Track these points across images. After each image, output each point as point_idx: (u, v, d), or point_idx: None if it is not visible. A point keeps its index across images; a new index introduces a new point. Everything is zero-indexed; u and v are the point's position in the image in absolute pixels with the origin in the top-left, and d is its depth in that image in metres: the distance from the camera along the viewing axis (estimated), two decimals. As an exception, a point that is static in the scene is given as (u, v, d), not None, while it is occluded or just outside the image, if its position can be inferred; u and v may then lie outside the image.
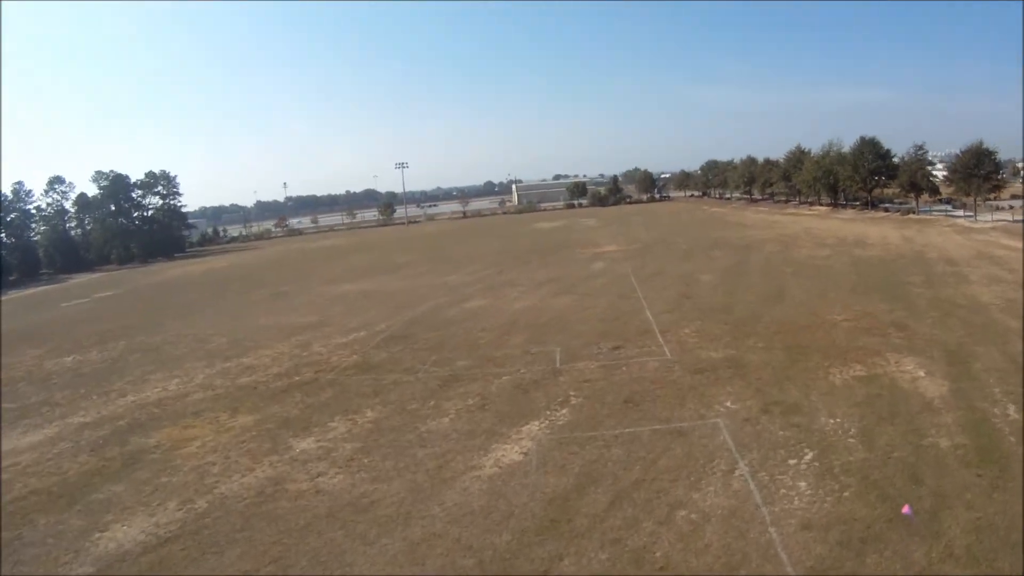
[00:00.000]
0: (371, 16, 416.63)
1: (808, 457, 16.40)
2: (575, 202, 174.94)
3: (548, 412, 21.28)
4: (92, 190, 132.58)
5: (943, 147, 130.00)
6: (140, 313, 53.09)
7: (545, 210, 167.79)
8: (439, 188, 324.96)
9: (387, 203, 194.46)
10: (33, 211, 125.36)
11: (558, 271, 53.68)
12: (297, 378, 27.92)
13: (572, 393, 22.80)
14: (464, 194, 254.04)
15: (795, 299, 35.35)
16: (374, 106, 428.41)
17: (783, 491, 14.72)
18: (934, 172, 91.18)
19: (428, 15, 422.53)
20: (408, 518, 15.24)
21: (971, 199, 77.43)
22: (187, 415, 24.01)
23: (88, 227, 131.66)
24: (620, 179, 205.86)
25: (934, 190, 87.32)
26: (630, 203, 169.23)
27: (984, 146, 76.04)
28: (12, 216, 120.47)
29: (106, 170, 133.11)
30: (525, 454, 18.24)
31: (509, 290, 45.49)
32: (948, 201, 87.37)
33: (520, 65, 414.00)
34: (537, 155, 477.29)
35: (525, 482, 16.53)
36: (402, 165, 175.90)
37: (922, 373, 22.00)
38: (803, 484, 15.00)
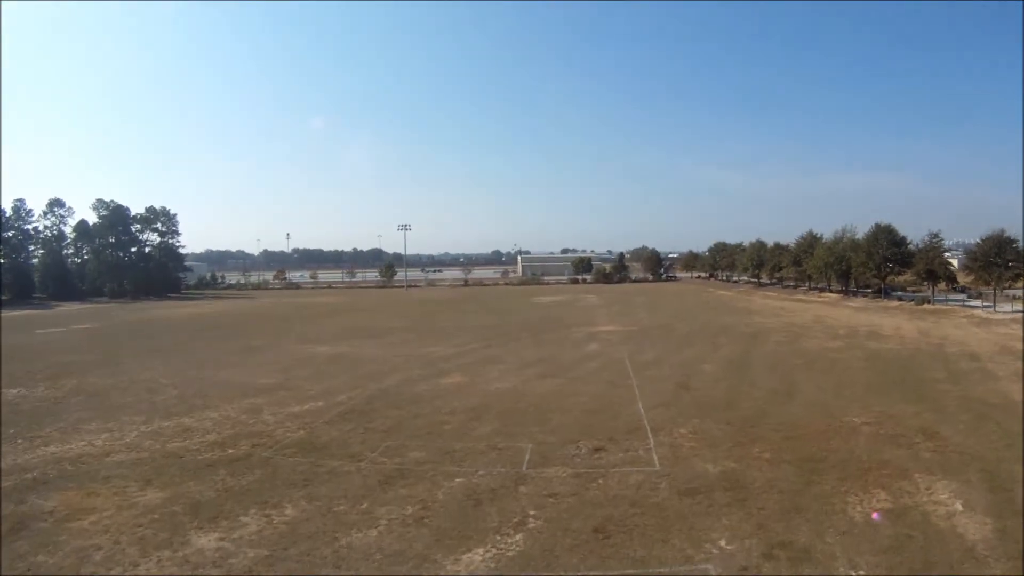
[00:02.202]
0: (383, 81, 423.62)
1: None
2: (579, 277, 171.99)
3: (498, 537, 17.07)
4: (91, 217, 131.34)
5: (953, 235, 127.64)
6: (105, 350, 52.77)
7: (548, 283, 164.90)
8: (447, 253, 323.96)
9: (389, 264, 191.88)
10: (31, 231, 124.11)
11: (549, 350, 49.97)
12: (231, 451, 24.98)
13: (532, 512, 18.58)
14: (471, 262, 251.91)
15: (807, 397, 31.71)
16: (383, 168, 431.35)
17: None
18: (950, 260, 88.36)
19: (438, 85, 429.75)
20: None
21: (988, 288, 74.27)
22: (98, 479, 21.58)
23: (85, 256, 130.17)
24: (627, 257, 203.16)
25: (951, 279, 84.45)
26: (635, 282, 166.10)
27: (1006, 235, 73.33)
28: (11, 234, 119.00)
29: (107, 199, 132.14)
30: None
31: (491, 368, 41.71)
32: (963, 290, 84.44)
33: (530, 139, 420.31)
34: (546, 228, 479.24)
35: None
36: (404, 227, 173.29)
37: (959, 506, 18.02)
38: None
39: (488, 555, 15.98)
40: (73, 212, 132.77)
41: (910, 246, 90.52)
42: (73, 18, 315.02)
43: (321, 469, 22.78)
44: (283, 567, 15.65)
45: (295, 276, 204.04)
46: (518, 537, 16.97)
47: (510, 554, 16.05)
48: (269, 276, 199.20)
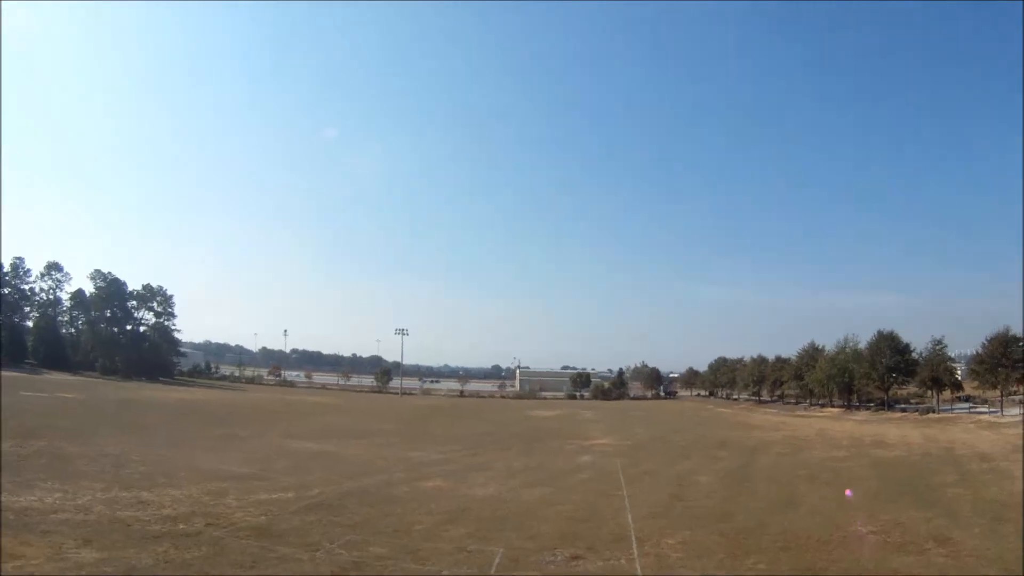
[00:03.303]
0: (375, 188, 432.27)
1: None
2: (577, 393, 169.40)
3: None
4: (88, 286, 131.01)
5: (955, 348, 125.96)
6: (83, 420, 51.98)
7: (545, 398, 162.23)
8: (446, 366, 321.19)
9: (385, 370, 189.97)
10: (28, 292, 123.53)
11: (539, 460, 47.90)
12: (182, 526, 23.06)
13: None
14: (469, 375, 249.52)
15: (808, 506, 29.60)
16: (381, 276, 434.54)
17: None
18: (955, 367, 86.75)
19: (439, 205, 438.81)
20: None
21: (994, 394, 72.26)
22: (36, 532, 20.29)
23: (80, 326, 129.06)
24: (626, 373, 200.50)
25: (956, 385, 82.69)
26: (633, 399, 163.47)
27: (1012, 333, 71.73)
28: (7, 291, 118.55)
29: (105, 271, 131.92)
30: None
31: (476, 475, 39.49)
32: (967, 399, 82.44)
33: (528, 254, 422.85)
34: (546, 346, 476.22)
35: None
36: (402, 332, 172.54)
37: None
38: None
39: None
40: (70, 278, 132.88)
41: (914, 354, 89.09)
42: (86, 67, 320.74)
43: (272, 554, 20.67)
44: None
45: (291, 375, 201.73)
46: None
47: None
48: (264, 372, 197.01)
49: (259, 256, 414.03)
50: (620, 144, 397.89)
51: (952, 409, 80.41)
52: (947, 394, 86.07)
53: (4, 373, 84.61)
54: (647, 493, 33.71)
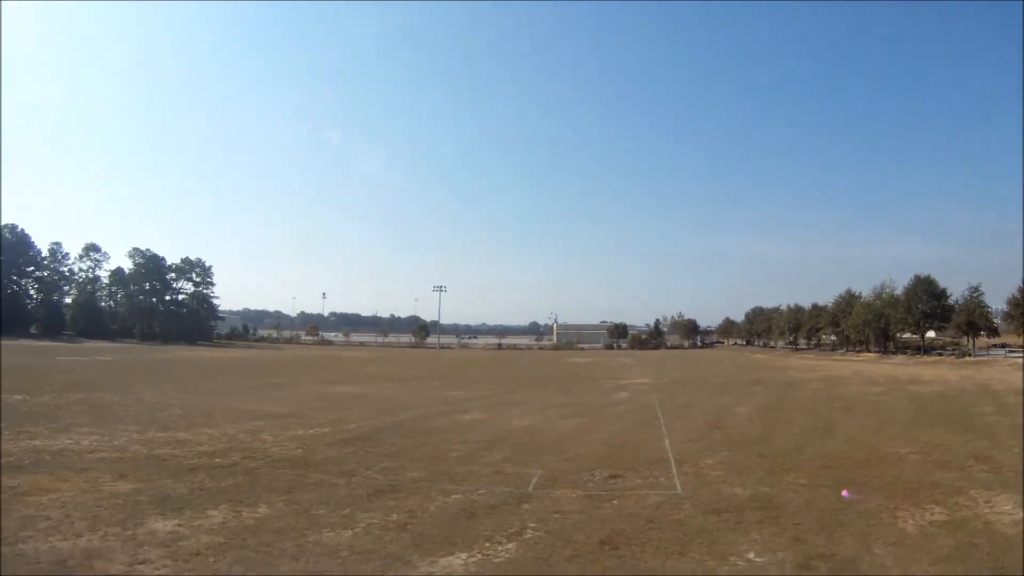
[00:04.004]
0: (414, 147, 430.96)
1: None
2: (615, 343, 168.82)
3: (487, 544, 14.72)
4: (127, 264, 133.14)
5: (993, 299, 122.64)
6: (122, 377, 51.82)
7: (582, 349, 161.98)
8: (484, 324, 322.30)
9: (422, 326, 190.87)
10: (67, 273, 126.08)
11: (575, 397, 47.70)
12: (217, 460, 23.07)
13: (532, 525, 16.21)
14: (507, 331, 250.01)
15: (846, 433, 28.90)
16: (422, 237, 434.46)
17: None
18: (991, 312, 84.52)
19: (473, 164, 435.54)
20: None
21: None
22: (72, 469, 20.24)
23: (119, 299, 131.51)
24: (663, 324, 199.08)
25: (992, 330, 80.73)
26: (671, 348, 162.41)
27: None
28: (45, 274, 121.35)
29: (143, 247, 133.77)
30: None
31: (513, 409, 39.39)
32: (1004, 346, 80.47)
33: (570, 212, 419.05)
34: (584, 302, 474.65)
35: None
36: (440, 288, 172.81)
37: None
38: None
39: (471, 560, 13.72)
40: (108, 258, 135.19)
41: (950, 300, 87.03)
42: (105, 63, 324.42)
43: (308, 480, 20.71)
44: (234, 554, 13.69)
45: (329, 336, 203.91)
46: (511, 546, 14.68)
47: (498, 560, 13.76)
48: (302, 334, 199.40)
49: (298, 222, 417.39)
50: (652, 95, 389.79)
51: (988, 353, 78.53)
52: (983, 341, 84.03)
53: (39, 343, 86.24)
54: (684, 422, 33.25)
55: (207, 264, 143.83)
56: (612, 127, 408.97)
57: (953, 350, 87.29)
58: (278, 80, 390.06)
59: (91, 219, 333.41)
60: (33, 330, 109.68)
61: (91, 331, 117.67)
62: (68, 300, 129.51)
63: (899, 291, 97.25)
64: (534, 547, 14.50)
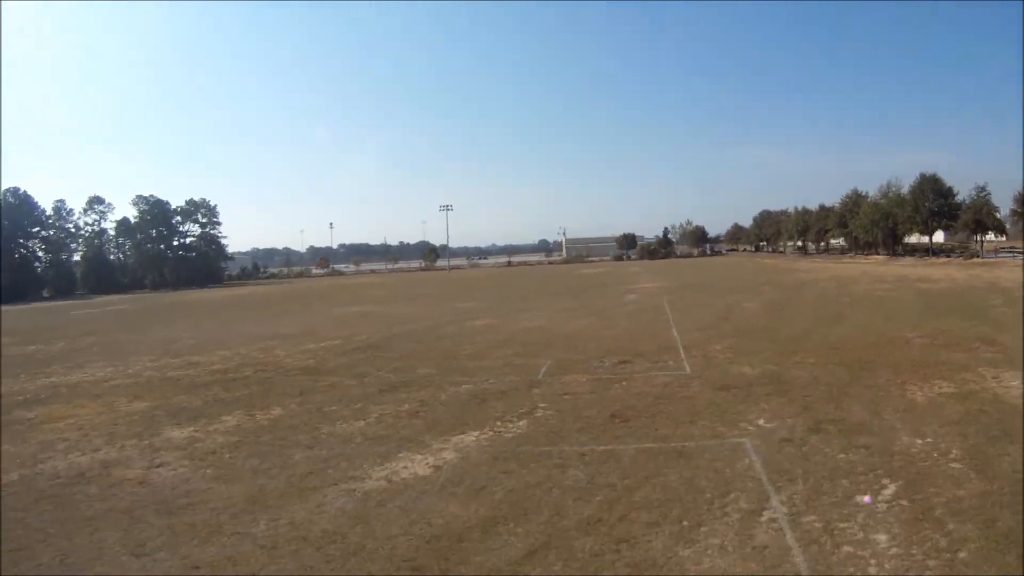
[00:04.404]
0: (423, 73, 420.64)
1: (889, 492, 9.70)
2: (624, 254, 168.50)
3: (499, 423, 15.00)
4: (131, 213, 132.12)
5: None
6: (132, 320, 52.33)
7: (592, 261, 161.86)
8: (493, 245, 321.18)
9: (431, 249, 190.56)
10: (72, 230, 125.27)
11: (585, 301, 47.91)
12: (231, 375, 23.35)
13: (542, 405, 16.46)
14: (516, 250, 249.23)
15: (854, 322, 28.77)
16: (430, 162, 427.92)
17: (848, 549, 8.06)
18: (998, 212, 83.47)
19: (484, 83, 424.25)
20: (213, 533, 9.64)
21: None
22: (89, 396, 20.51)
23: (127, 251, 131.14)
24: (671, 233, 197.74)
25: (1000, 228, 79.75)
26: (681, 256, 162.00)
27: None
28: (51, 233, 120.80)
29: (146, 194, 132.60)
30: (436, 468, 12.00)
31: (523, 314, 39.59)
32: (1012, 249, 79.73)
33: (576, 129, 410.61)
34: (592, 217, 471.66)
35: (412, 506, 10.32)
36: (447, 208, 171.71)
37: (1033, 387, 15.07)
38: (883, 537, 8.31)
39: (483, 437, 13.96)
40: (113, 208, 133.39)
41: (957, 197, 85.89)
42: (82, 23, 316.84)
43: (320, 384, 21.04)
44: (249, 449, 14.01)
45: (339, 267, 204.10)
46: (521, 423, 14.92)
47: (508, 436, 14.00)
48: (312, 267, 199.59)
49: (301, 154, 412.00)
50: (657, 10, 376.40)
51: (997, 254, 77.87)
52: (991, 245, 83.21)
53: (54, 303, 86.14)
54: (693, 318, 33.31)
55: (212, 204, 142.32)
56: (615, 44, 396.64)
57: (961, 252, 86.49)
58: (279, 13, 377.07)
59: (93, 171, 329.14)
60: (45, 293, 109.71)
61: (103, 287, 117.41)
62: (77, 258, 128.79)
63: (905, 191, 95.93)
64: (545, 423, 14.73)
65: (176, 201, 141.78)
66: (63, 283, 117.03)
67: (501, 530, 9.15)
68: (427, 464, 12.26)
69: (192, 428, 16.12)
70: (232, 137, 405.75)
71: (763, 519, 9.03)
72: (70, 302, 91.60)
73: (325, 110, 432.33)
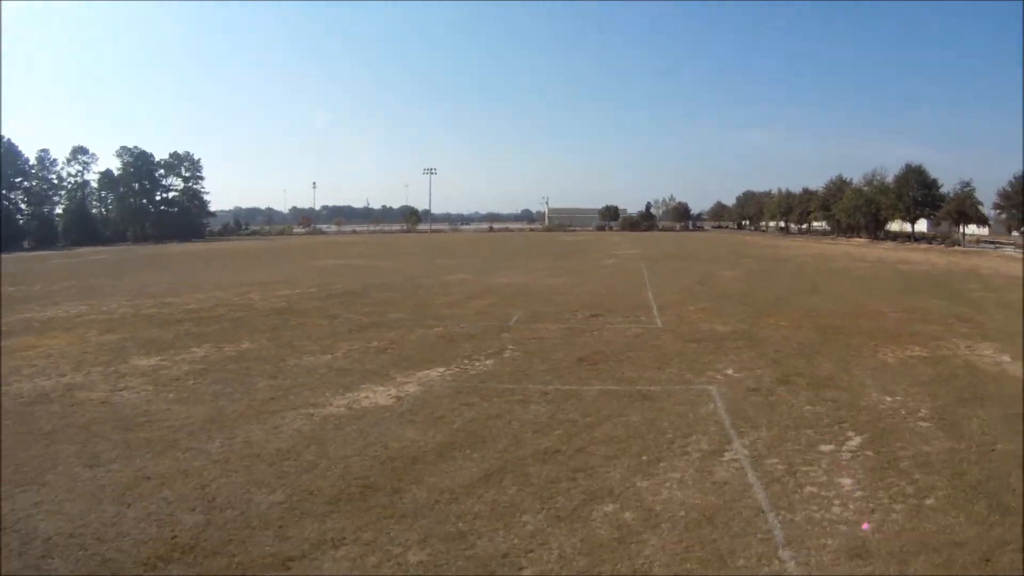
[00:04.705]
0: (415, 47, 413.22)
1: (855, 443, 9.60)
2: (606, 224, 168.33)
3: (466, 361, 14.84)
4: (115, 164, 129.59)
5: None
6: (110, 268, 51.53)
7: (575, 230, 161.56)
8: (476, 212, 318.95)
9: (412, 211, 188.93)
10: (55, 180, 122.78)
11: (564, 263, 47.74)
12: (204, 315, 23.08)
13: (511, 347, 16.37)
14: (499, 218, 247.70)
15: (832, 293, 28.66)
16: (416, 125, 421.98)
17: (811, 489, 7.97)
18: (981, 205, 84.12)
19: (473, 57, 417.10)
20: (168, 448, 9.63)
21: (1016, 231, 70.10)
22: (60, 329, 20.45)
23: (109, 204, 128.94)
24: (653, 206, 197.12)
25: (982, 220, 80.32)
26: (663, 230, 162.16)
27: None
28: (34, 183, 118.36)
29: (131, 146, 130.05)
30: (398, 399, 11.82)
31: (501, 272, 39.34)
32: (993, 243, 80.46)
33: (561, 104, 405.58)
34: (576, 190, 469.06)
35: (369, 431, 10.19)
36: (430, 171, 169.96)
37: (1007, 358, 15.23)
38: (848, 481, 8.21)
39: (448, 373, 13.80)
40: (97, 159, 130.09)
41: (941, 188, 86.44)
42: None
43: (292, 322, 20.87)
44: (213, 376, 13.84)
45: (321, 227, 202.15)
46: (488, 362, 14.79)
47: (473, 372, 13.86)
48: (295, 226, 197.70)
49: (283, 111, 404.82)
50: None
51: (979, 244, 78.45)
52: (973, 238, 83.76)
53: (32, 254, 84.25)
54: (670, 282, 33.21)
55: (196, 157, 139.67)
56: (602, 21, 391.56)
57: (943, 240, 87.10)
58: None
59: (78, 120, 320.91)
60: (26, 244, 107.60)
61: (84, 239, 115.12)
62: (59, 210, 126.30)
63: (890, 180, 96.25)
64: (512, 363, 14.59)
65: (160, 154, 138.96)
66: (44, 235, 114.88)
67: (457, 455, 8.99)
68: (389, 395, 12.11)
69: (159, 358, 15.91)
70: (217, 94, 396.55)
71: (724, 459, 8.93)
72: (51, 252, 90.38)
73: (312, 76, 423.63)
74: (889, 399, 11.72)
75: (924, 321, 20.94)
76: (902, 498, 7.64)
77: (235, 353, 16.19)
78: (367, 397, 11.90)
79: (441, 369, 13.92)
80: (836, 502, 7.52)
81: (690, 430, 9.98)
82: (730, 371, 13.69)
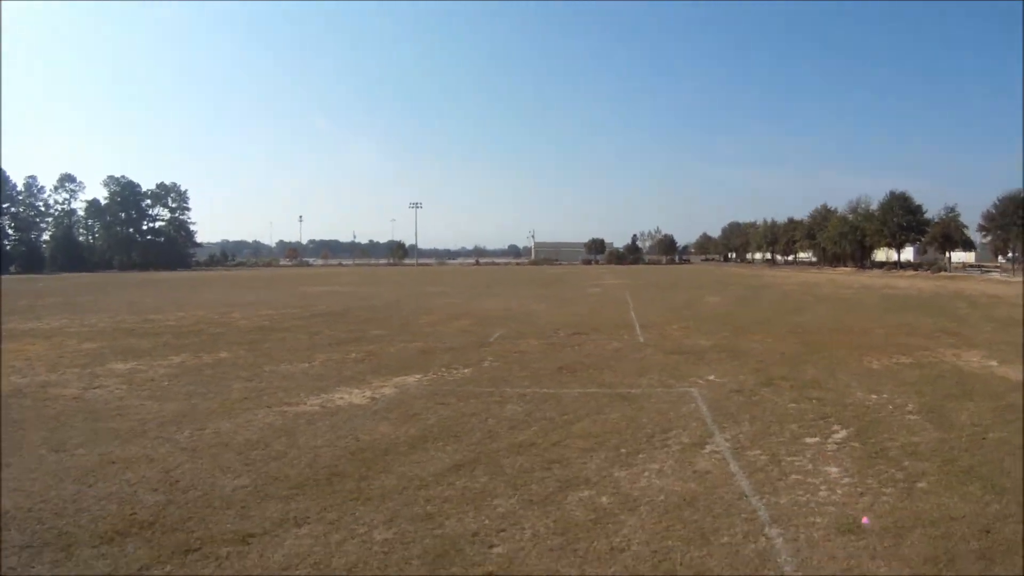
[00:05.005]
0: (389, 77, 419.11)
1: (841, 435, 9.34)
2: (592, 258, 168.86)
3: (443, 370, 14.56)
4: (102, 193, 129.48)
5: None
6: (97, 289, 51.95)
7: (561, 263, 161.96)
8: (463, 248, 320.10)
9: (399, 245, 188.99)
10: (42, 208, 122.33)
11: (549, 291, 47.56)
12: (185, 329, 23.11)
13: (490, 359, 16.10)
14: (486, 254, 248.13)
15: (817, 314, 28.58)
16: (394, 162, 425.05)
17: (796, 477, 7.67)
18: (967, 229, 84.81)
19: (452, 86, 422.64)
20: (136, 436, 9.42)
21: (1003, 257, 70.60)
22: (40, 337, 20.71)
23: (96, 232, 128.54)
24: (639, 238, 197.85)
25: (967, 244, 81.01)
26: (649, 263, 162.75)
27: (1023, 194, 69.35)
28: (21, 210, 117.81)
29: (118, 175, 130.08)
30: (373, 399, 11.59)
31: (486, 299, 39.28)
32: (979, 267, 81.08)
33: (547, 138, 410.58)
34: (563, 226, 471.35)
35: (342, 425, 9.91)
36: (416, 205, 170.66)
37: (994, 363, 15.15)
38: (834, 469, 7.92)
39: (425, 379, 13.51)
40: (84, 187, 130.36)
41: (926, 214, 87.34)
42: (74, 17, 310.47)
43: (272, 337, 20.69)
44: (189, 379, 13.65)
45: (308, 260, 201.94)
46: (467, 371, 14.51)
47: (451, 378, 13.54)
48: (281, 258, 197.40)
49: (270, 145, 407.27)
50: (631, 16, 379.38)
51: (965, 268, 79.11)
52: (959, 264, 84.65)
53: (18, 276, 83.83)
54: (654, 306, 33.11)
55: (183, 188, 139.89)
56: (589, 53, 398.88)
57: (928, 267, 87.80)
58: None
59: (65, 149, 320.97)
60: (13, 269, 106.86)
61: (70, 266, 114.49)
62: (46, 237, 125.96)
63: (874, 207, 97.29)
64: (490, 371, 14.32)
65: (147, 184, 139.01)
66: (31, 261, 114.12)
67: (430, 447, 8.68)
68: (364, 396, 11.83)
69: (136, 363, 15.74)
70: (206, 125, 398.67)
71: (705, 451, 8.65)
72: (37, 276, 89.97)
73: (301, 104, 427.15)
74: (875, 397, 11.55)
75: (910, 335, 20.91)
76: (892, 483, 7.37)
77: (212, 361, 15.99)
78: (342, 398, 11.62)
79: (419, 375, 13.64)
80: (823, 488, 7.25)
81: (670, 426, 9.71)
82: (712, 376, 13.47)
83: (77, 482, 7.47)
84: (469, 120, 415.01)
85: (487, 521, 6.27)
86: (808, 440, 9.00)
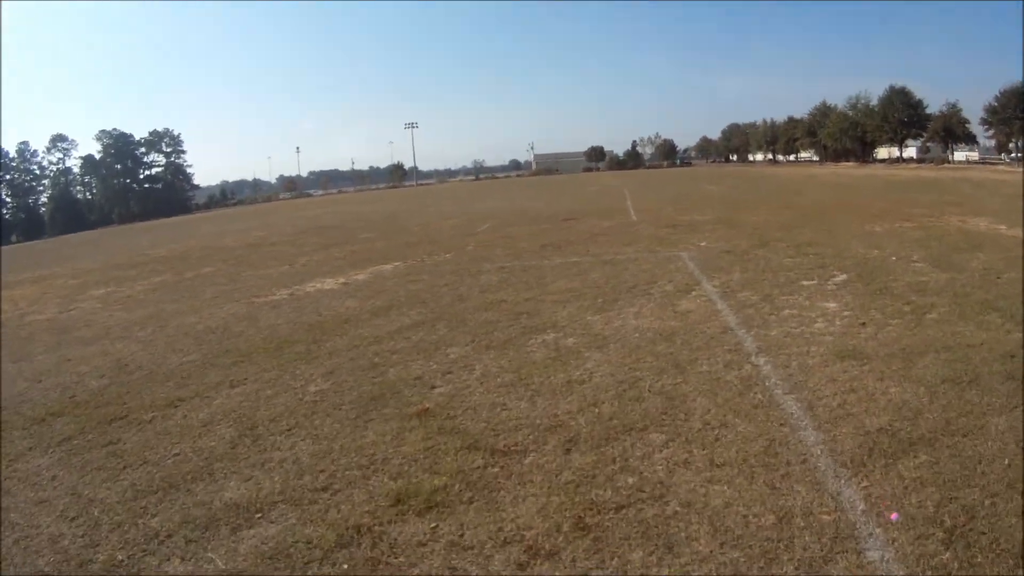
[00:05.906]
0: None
1: (841, 279, 8.68)
2: (593, 165, 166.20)
3: (425, 256, 13.89)
4: (95, 148, 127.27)
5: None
6: (94, 243, 49.36)
7: (562, 173, 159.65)
8: (464, 167, 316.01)
9: (399, 165, 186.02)
10: (37, 171, 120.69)
11: (547, 192, 46.42)
12: (175, 256, 22.65)
13: (473, 245, 15.35)
14: (487, 170, 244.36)
15: (816, 195, 27.49)
16: (398, 81, 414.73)
17: (790, 311, 7.08)
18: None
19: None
20: (99, 339, 9.09)
21: (1007, 156, 68.58)
22: (28, 283, 19.89)
23: (93, 188, 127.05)
24: (639, 144, 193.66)
25: (970, 138, 78.65)
26: (650, 168, 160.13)
27: None
28: (15, 175, 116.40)
29: (109, 128, 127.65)
30: (345, 284, 11.03)
31: (480, 201, 38.66)
32: (983, 161, 79.08)
33: (547, 51, 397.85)
34: (564, 137, 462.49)
35: (306, 306, 9.52)
36: (412, 125, 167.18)
37: (1003, 226, 14.04)
38: (833, 305, 7.30)
39: (403, 266, 13.03)
40: (77, 145, 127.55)
41: (926, 109, 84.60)
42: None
43: (259, 252, 20.03)
44: (165, 292, 13.04)
45: (308, 191, 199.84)
46: (448, 255, 14.02)
47: (430, 262, 12.99)
48: (281, 193, 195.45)
49: (266, 78, 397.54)
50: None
51: (967, 162, 77.01)
52: (962, 160, 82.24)
53: (19, 245, 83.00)
54: (651, 196, 32.29)
55: (176, 133, 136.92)
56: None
57: (932, 160, 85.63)
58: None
59: (53, 110, 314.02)
60: (14, 238, 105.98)
61: (71, 226, 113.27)
62: (44, 199, 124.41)
63: (874, 102, 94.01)
64: (472, 254, 13.72)
65: (140, 135, 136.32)
66: (32, 227, 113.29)
67: (393, 314, 8.16)
68: (337, 282, 11.34)
69: (116, 287, 15.21)
70: (196, 66, 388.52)
71: (691, 295, 8.01)
72: (39, 241, 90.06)
73: (289, 33, 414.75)
74: (877, 252, 10.77)
75: (914, 207, 19.90)
76: (898, 315, 6.69)
77: (192, 275, 15.47)
78: (314, 287, 11.16)
79: (397, 263, 13.08)
80: (819, 320, 6.61)
81: (654, 279, 9.14)
82: (704, 243, 12.81)
83: (28, 380, 7.17)
84: (465, 34, 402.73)
85: (435, 367, 5.78)
86: (805, 283, 8.35)
